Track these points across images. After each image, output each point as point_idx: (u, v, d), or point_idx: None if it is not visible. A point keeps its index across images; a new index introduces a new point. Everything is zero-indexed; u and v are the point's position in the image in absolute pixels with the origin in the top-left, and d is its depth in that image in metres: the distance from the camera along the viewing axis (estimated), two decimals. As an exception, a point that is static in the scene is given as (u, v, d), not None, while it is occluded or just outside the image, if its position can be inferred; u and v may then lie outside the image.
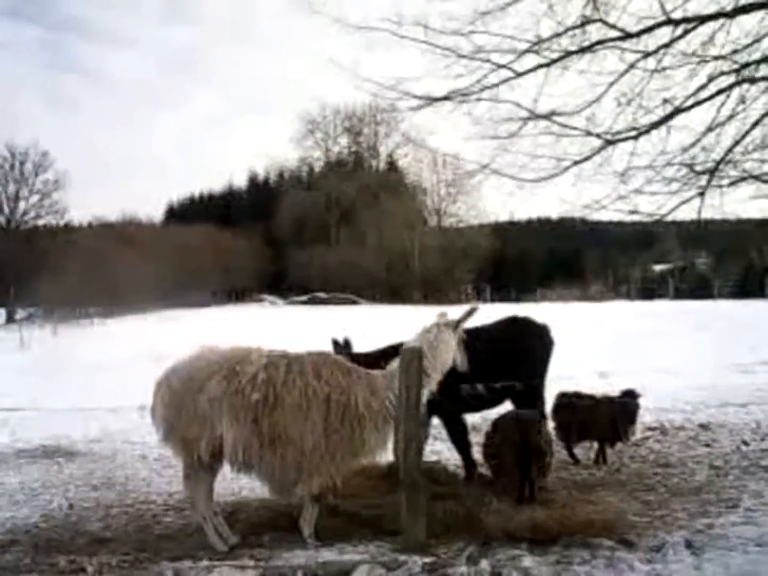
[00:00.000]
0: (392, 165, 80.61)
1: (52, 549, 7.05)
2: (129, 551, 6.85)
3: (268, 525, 7.31)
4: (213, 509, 7.03)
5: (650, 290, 59.96)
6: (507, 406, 8.88)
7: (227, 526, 7.05)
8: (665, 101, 9.51)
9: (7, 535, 7.66)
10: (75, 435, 12.66)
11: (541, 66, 9.72)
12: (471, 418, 9.30)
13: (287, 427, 6.54)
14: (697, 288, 59.14)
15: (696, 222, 10.57)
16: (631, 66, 9.52)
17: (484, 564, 5.79)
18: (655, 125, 9.54)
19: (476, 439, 8.90)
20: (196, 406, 6.64)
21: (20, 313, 62.69)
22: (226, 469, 7.16)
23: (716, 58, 9.46)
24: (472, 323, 9.56)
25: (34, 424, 12.82)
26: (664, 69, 9.47)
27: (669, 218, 10.40)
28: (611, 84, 9.62)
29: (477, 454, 8.56)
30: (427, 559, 5.92)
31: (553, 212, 78.99)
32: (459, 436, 8.76)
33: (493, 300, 59.99)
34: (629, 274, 68.06)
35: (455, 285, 69.83)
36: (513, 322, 9.47)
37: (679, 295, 51.90)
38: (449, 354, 7.15)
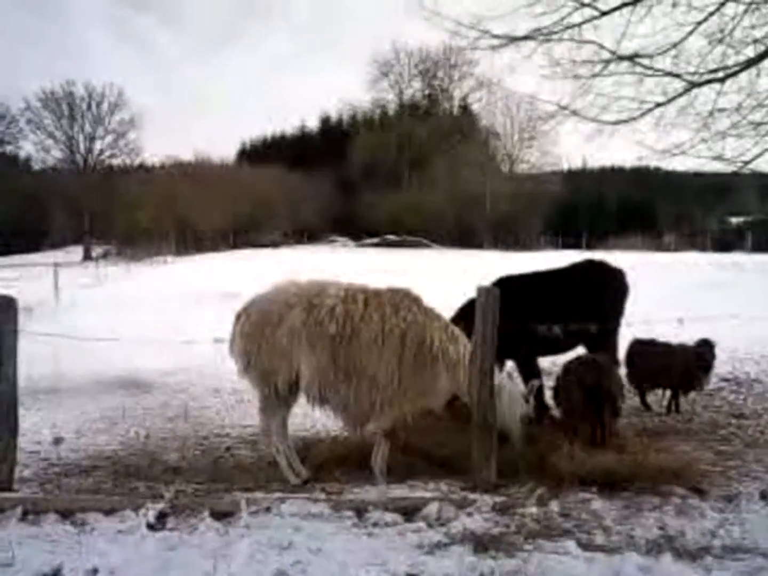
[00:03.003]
0: (466, 109, 79.82)
1: (130, 475, 7.31)
2: (203, 481, 7.05)
3: (340, 461, 7.42)
4: (287, 443, 7.16)
5: (727, 242, 58.35)
6: (579, 351, 8.82)
7: (300, 461, 7.19)
8: (756, 41, 9.15)
9: (89, 461, 7.96)
10: (150, 367, 12.97)
11: (626, 4, 9.43)
12: (541, 363, 9.26)
13: (362, 361, 6.64)
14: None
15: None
16: (723, 3, 9.15)
17: (554, 505, 5.83)
18: (745, 67, 9.20)
19: (547, 383, 8.87)
20: (275, 339, 6.74)
21: (96, 251, 64.02)
22: (299, 406, 7.30)
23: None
24: (547, 266, 9.52)
25: (111, 357, 13.11)
26: (757, 6, 9.07)
27: (749, 169, 10.10)
28: (699, 23, 9.27)
29: (548, 399, 8.53)
30: (498, 499, 5.97)
31: (628, 161, 77.42)
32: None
33: (565, 247, 59.35)
34: (705, 226, 66.41)
35: (526, 231, 69.09)
36: (588, 265, 9.36)
37: (757, 248, 50.46)
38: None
